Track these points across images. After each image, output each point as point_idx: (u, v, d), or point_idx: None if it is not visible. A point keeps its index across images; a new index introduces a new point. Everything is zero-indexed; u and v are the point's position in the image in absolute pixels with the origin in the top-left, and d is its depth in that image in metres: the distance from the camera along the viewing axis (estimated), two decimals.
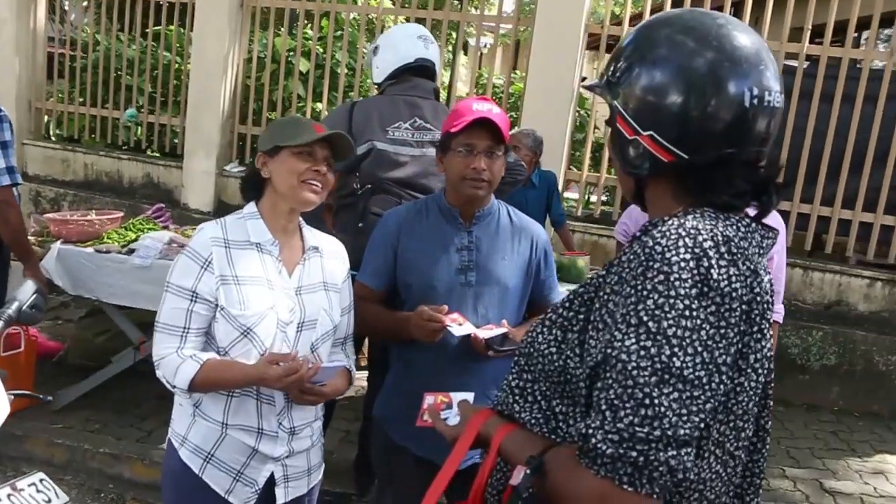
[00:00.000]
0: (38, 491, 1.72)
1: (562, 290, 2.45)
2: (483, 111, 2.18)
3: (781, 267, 3.43)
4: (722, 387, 1.09)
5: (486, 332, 2.16)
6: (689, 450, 1.05)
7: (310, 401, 1.98)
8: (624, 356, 1.06)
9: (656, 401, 1.03)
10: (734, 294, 1.10)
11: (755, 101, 1.17)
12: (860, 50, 5.56)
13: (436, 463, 2.33)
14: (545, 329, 1.30)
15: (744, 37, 1.20)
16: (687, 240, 1.10)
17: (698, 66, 1.17)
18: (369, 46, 3.50)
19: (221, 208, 6.39)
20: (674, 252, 1.09)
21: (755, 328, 1.16)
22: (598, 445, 1.05)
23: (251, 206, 2.03)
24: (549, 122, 5.25)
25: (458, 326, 2.13)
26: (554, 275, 2.46)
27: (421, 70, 3.31)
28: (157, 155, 7.12)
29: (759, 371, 1.19)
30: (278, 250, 1.99)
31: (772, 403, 1.27)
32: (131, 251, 3.80)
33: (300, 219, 2.08)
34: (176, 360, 1.90)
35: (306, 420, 2.08)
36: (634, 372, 1.05)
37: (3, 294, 3.47)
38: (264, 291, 1.93)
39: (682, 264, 1.08)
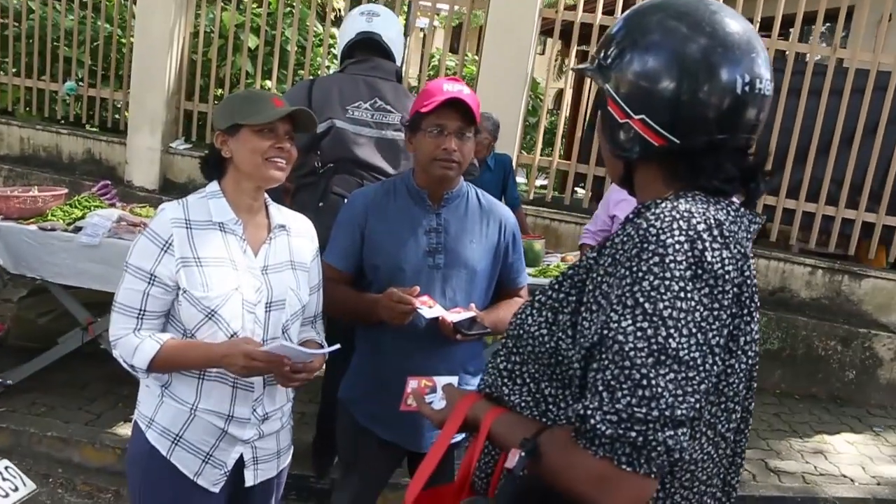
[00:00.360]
0: (3, 479, 1.65)
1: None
2: (454, 92, 2.17)
3: None
4: (715, 368, 1.11)
5: (454, 316, 2.16)
6: (685, 430, 1.07)
7: (300, 380, 1.93)
8: (621, 337, 1.07)
9: (653, 381, 1.04)
10: (727, 276, 1.12)
11: (746, 87, 1.19)
12: (805, 44, 5.72)
13: (401, 446, 2.35)
14: (535, 311, 1.30)
15: (735, 23, 1.21)
16: (681, 222, 1.12)
17: (691, 52, 1.18)
18: None
19: (167, 186, 6.23)
20: (668, 234, 1.10)
21: (745, 311, 1.18)
22: (597, 426, 1.06)
23: (213, 185, 1.97)
24: (503, 105, 5.24)
25: (428, 309, 2.13)
26: (522, 258, 2.47)
27: (369, 44, 3.26)
28: (97, 130, 6.88)
29: (749, 353, 1.21)
30: (242, 229, 1.94)
31: (756, 385, 1.30)
32: (78, 229, 3.67)
33: (266, 196, 2.04)
34: (134, 341, 1.86)
35: (279, 404, 2.06)
36: (631, 353, 1.06)
37: None
38: (228, 272, 1.89)
39: (677, 246, 1.09)
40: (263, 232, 2.00)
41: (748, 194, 1.26)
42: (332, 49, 6.79)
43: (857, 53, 5.49)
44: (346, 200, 3.06)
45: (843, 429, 4.88)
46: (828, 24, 5.73)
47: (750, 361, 1.23)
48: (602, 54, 1.30)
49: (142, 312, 1.87)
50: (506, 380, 1.34)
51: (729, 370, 1.18)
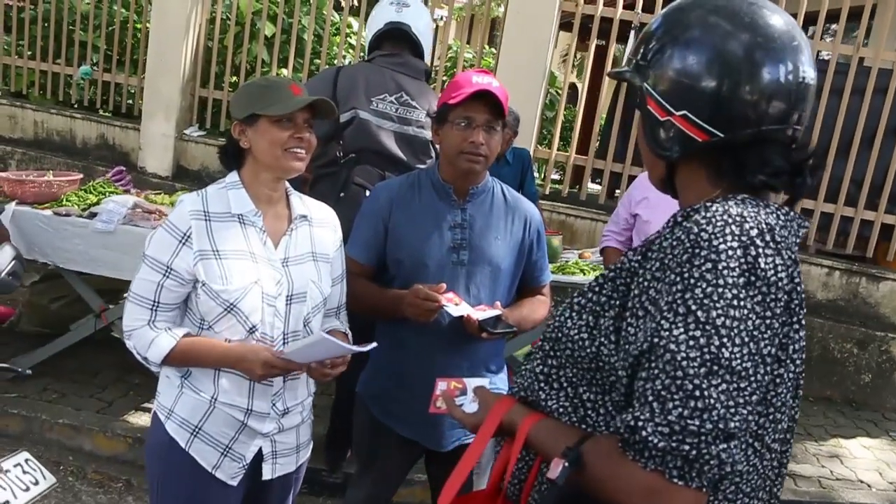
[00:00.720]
0: (24, 472, 1.62)
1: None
2: (483, 84, 2.12)
3: None
4: (765, 378, 1.08)
5: (479, 313, 2.12)
6: (738, 442, 1.04)
7: (334, 373, 1.92)
8: (673, 346, 1.04)
9: (706, 392, 1.01)
10: (779, 284, 1.09)
11: (790, 77, 1.16)
12: (827, 43, 5.63)
13: (420, 444, 2.31)
14: (574, 314, 1.26)
15: (776, 16, 1.18)
16: (734, 227, 1.09)
17: (732, 45, 1.16)
18: None
19: (180, 173, 6.20)
20: (721, 240, 1.07)
21: (794, 318, 1.15)
22: (649, 438, 1.03)
23: (233, 175, 1.94)
24: (521, 99, 5.17)
25: (454, 306, 2.09)
26: (545, 256, 2.43)
27: (397, 35, 3.22)
28: (111, 115, 6.85)
29: (797, 362, 1.18)
30: (262, 220, 1.90)
31: (801, 394, 1.26)
32: (93, 215, 3.64)
33: (287, 185, 2.00)
34: (150, 334, 1.85)
35: (300, 398, 2.03)
36: (684, 363, 1.03)
37: None
38: (247, 265, 1.85)
39: (730, 252, 1.06)
40: (284, 223, 1.96)
41: (795, 190, 1.23)
42: (348, 38, 6.75)
43: (880, 53, 5.41)
44: (367, 192, 3.04)
45: (858, 433, 4.83)
46: (850, 24, 5.61)
47: (797, 370, 1.19)
48: (640, 53, 1.27)
49: (156, 304, 1.86)
50: (542, 384, 1.31)
51: (777, 380, 1.14)
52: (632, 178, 5.44)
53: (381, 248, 2.26)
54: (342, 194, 3.04)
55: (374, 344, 1.98)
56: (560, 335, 1.27)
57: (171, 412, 1.93)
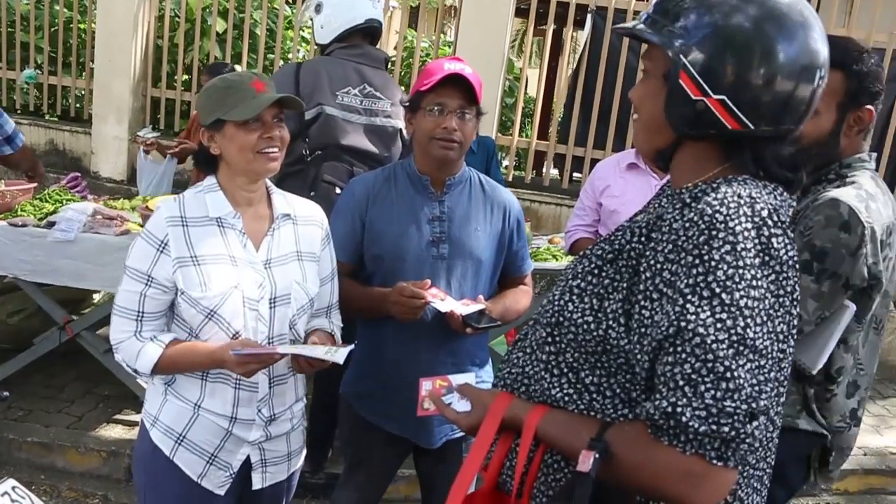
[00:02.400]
0: (12, 500, 1.54)
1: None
2: (455, 69, 2.08)
3: None
4: (780, 355, 1.11)
5: (462, 308, 2.08)
6: (764, 419, 1.07)
7: (317, 367, 1.85)
8: (701, 329, 1.05)
9: (735, 373, 1.03)
10: (790, 262, 1.11)
11: (820, 83, 1.17)
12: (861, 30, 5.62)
13: (408, 440, 2.28)
14: (575, 297, 1.25)
15: (815, 20, 1.18)
16: (746, 208, 1.10)
17: (795, 38, 1.15)
18: (307, 1, 3.30)
19: (136, 176, 6.03)
20: (737, 221, 1.08)
21: (795, 295, 1.16)
22: (690, 423, 1.03)
23: (210, 178, 1.88)
24: None
25: (441, 302, 2.05)
26: (526, 245, 2.40)
27: (369, 31, 3.17)
28: (58, 120, 6.64)
29: (795, 337, 1.20)
30: (241, 223, 1.84)
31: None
32: (50, 224, 3.51)
33: (268, 184, 1.94)
34: (136, 344, 1.81)
35: (287, 404, 1.97)
36: (714, 345, 1.04)
37: None
38: (227, 269, 1.80)
39: (746, 234, 1.08)
40: (265, 223, 1.90)
41: (794, 183, 1.24)
42: (301, 32, 6.64)
43: (871, 35, 5.45)
44: (337, 189, 2.99)
45: None
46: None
47: (793, 344, 1.21)
48: (669, 15, 1.20)
49: (140, 315, 1.81)
50: (543, 372, 1.29)
51: (782, 355, 1.15)
52: (595, 162, 5.46)
53: (359, 245, 2.21)
54: (312, 193, 2.98)
55: (351, 346, 1.92)
56: (562, 319, 1.26)
57: (156, 419, 1.89)
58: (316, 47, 6.03)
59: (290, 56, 6.30)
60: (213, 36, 6.06)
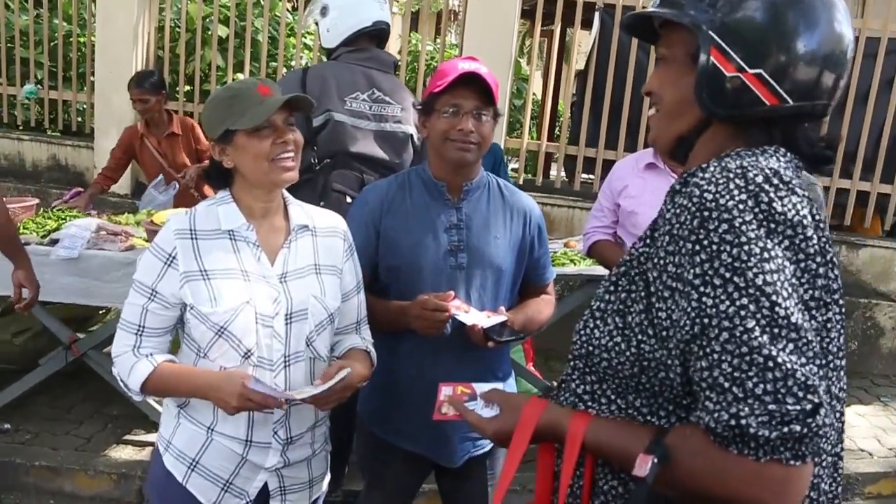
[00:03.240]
0: None
1: None
2: (470, 68, 1.99)
3: None
4: (815, 324, 1.03)
5: (485, 321, 1.98)
6: (828, 399, 0.98)
7: (334, 401, 1.75)
8: (726, 322, 0.97)
9: (778, 359, 0.94)
10: (805, 222, 1.02)
11: (850, 55, 1.12)
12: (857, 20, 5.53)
13: (428, 458, 2.18)
14: (599, 322, 1.17)
15: None
16: (737, 180, 1.02)
17: (828, 11, 1.10)
18: (312, 5, 3.20)
19: (140, 190, 5.92)
20: (727, 196, 1.00)
21: (829, 257, 1.07)
22: (760, 433, 0.95)
23: (224, 191, 1.79)
24: None
25: (465, 314, 1.95)
26: (548, 252, 2.30)
27: (377, 34, 3.08)
28: (58, 134, 6.57)
29: (840, 303, 1.10)
30: (255, 235, 1.75)
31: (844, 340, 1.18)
32: (54, 241, 3.43)
33: (286, 194, 1.85)
34: (131, 359, 1.73)
35: (306, 426, 1.86)
36: (745, 336, 0.96)
37: None
38: (238, 284, 1.71)
39: (742, 206, 1.00)
40: (281, 236, 1.81)
41: (824, 161, 1.19)
42: (304, 39, 6.56)
43: (888, 24, 5.35)
44: (348, 198, 2.90)
45: (851, 401, 4.81)
46: None
47: (842, 311, 1.11)
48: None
49: (141, 329, 1.74)
50: (589, 402, 1.21)
51: (828, 324, 1.07)
52: (606, 163, 5.36)
53: (374, 256, 2.11)
54: (322, 203, 2.88)
55: (347, 370, 1.79)
56: (591, 348, 1.18)
57: (169, 444, 1.81)
58: (319, 54, 5.98)
59: (293, 63, 6.22)
60: (214, 44, 5.98)
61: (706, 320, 0.99)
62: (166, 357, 1.75)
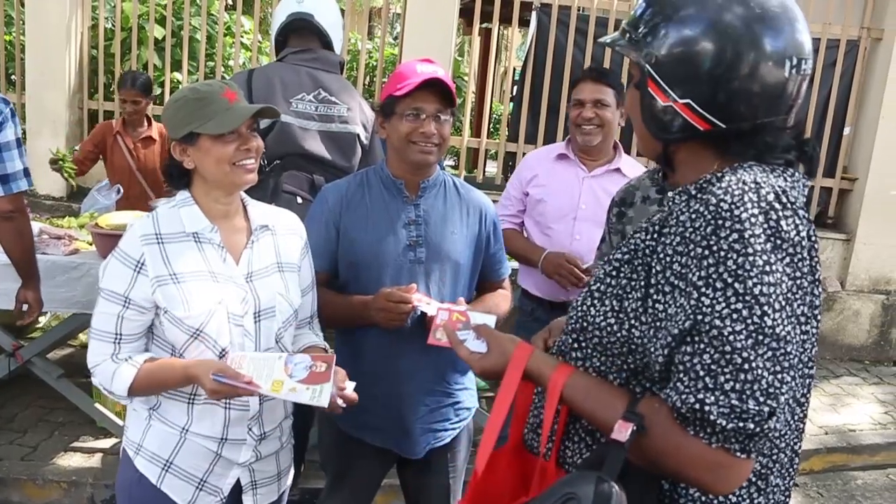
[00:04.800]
0: None
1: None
2: (430, 73, 2.04)
3: None
4: (801, 337, 1.12)
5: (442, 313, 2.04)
6: (783, 406, 1.08)
7: None
8: (718, 322, 1.06)
9: (754, 363, 1.04)
10: (803, 243, 1.12)
11: (793, 71, 1.17)
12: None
13: (393, 451, 2.23)
14: (596, 301, 1.25)
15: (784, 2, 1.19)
16: (751, 194, 1.10)
17: (739, 35, 1.16)
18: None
19: (76, 192, 5.81)
20: (742, 208, 1.09)
21: (816, 275, 1.17)
22: (718, 421, 1.06)
23: (184, 192, 1.81)
24: None
25: (427, 305, 2.01)
26: (503, 248, 2.38)
27: (301, 27, 3.06)
28: None
29: (818, 317, 1.21)
30: (219, 237, 1.78)
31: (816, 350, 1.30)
32: None
33: (244, 195, 1.88)
34: (111, 366, 1.74)
35: (277, 421, 1.91)
36: (731, 337, 1.05)
37: None
38: (209, 286, 1.73)
39: (753, 220, 1.08)
40: (243, 236, 1.84)
41: (808, 159, 1.25)
42: (241, 38, 6.49)
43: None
44: (298, 199, 2.92)
45: None
46: None
47: (818, 324, 1.22)
48: (638, 27, 1.25)
49: (118, 337, 1.74)
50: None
51: (805, 336, 1.17)
52: None
53: (335, 252, 2.15)
54: (272, 204, 2.89)
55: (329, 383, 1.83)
56: (585, 324, 1.27)
57: (139, 447, 1.81)
58: (255, 54, 5.94)
59: (230, 63, 6.15)
60: (151, 44, 5.87)
61: (699, 317, 1.08)
62: (146, 356, 1.76)
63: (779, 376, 1.05)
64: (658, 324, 1.15)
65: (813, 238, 1.16)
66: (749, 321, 1.05)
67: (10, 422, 3.71)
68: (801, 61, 1.18)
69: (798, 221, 1.12)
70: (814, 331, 1.20)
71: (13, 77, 6.23)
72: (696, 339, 1.08)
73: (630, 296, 1.21)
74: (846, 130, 5.81)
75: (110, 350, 1.75)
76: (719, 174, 1.18)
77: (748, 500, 1.23)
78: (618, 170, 2.97)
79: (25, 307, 2.92)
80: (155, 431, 1.81)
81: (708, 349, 1.07)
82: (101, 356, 1.75)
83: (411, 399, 2.16)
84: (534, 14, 5.69)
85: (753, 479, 1.22)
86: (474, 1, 5.70)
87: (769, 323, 1.05)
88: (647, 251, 1.21)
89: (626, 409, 1.16)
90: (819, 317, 1.21)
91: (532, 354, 1.31)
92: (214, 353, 1.74)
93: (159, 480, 1.79)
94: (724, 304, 1.06)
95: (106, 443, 3.52)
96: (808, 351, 1.20)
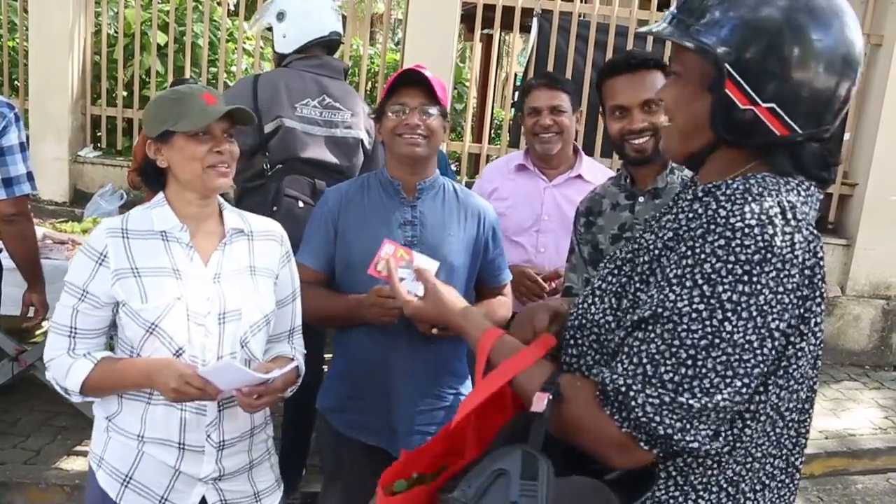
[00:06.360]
0: None
1: None
2: (411, 67, 2.11)
3: None
4: (774, 353, 1.10)
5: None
6: (723, 416, 1.09)
7: (262, 404, 1.73)
8: (675, 318, 1.07)
9: (699, 363, 1.06)
10: (794, 261, 1.10)
11: (858, 70, 1.16)
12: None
13: (387, 451, 2.24)
14: (596, 299, 1.26)
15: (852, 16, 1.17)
16: (753, 206, 1.10)
17: (836, 43, 1.13)
18: (267, 9, 3.22)
19: (79, 197, 5.83)
20: (738, 217, 1.08)
21: (817, 293, 1.15)
22: (636, 409, 1.08)
23: (159, 196, 1.82)
24: None
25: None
26: (504, 255, 2.39)
27: (328, 43, 3.13)
28: None
29: (817, 335, 1.19)
30: (188, 236, 1.77)
31: (820, 364, 1.27)
32: None
33: (221, 201, 1.88)
34: (67, 361, 1.73)
35: (240, 431, 1.84)
36: (683, 333, 1.06)
37: None
38: (170, 282, 1.72)
39: (746, 230, 1.07)
40: (216, 239, 1.83)
41: (826, 180, 1.23)
42: (244, 45, 6.52)
43: None
44: (300, 203, 2.94)
45: None
46: None
47: (818, 342, 1.20)
48: (707, 20, 1.15)
49: (73, 331, 1.73)
50: (574, 369, 1.30)
51: (799, 353, 1.15)
52: None
53: (333, 253, 2.19)
54: (275, 208, 2.93)
55: (294, 364, 1.86)
56: (584, 321, 1.27)
57: (101, 460, 1.80)
58: (260, 60, 5.96)
59: (233, 69, 6.18)
60: (153, 50, 5.90)
61: (660, 309, 1.09)
62: (105, 353, 1.75)
63: (727, 380, 1.06)
64: (627, 306, 1.17)
65: (819, 255, 1.14)
66: (707, 323, 1.05)
67: (13, 426, 3.73)
68: (860, 66, 1.17)
69: (799, 238, 1.10)
70: (811, 347, 1.16)
71: (16, 83, 6.27)
72: (650, 328, 1.10)
73: (628, 294, 1.21)
74: (846, 136, 5.81)
75: (66, 344, 1.74)
76: (729, 180, 1.17)
77: None
78: (579, 176, 2.88)
79: (31, 310, 2.95)
80: (114, 443, 1.79)
81: (656, 340, 1.08)
82: (57, 350, 1.74)
83: (401, 396, 2.18)
84: (535, 20, 5.71)
85: (724, 485, 1.19)
86: (476, 7, 5.72)
87: (728, 328, 1.05)
88: (648, 247, 1.22)
89: (545, 380, 1.19)
90: (820, 334, 1.19)
91: (463, 310, 1.46)
92: (170, 350, 1.70)
93: (119, 496, 1.76)
94: (686, 303, 1.07)
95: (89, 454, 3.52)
96: (802, 367, 1.16)
